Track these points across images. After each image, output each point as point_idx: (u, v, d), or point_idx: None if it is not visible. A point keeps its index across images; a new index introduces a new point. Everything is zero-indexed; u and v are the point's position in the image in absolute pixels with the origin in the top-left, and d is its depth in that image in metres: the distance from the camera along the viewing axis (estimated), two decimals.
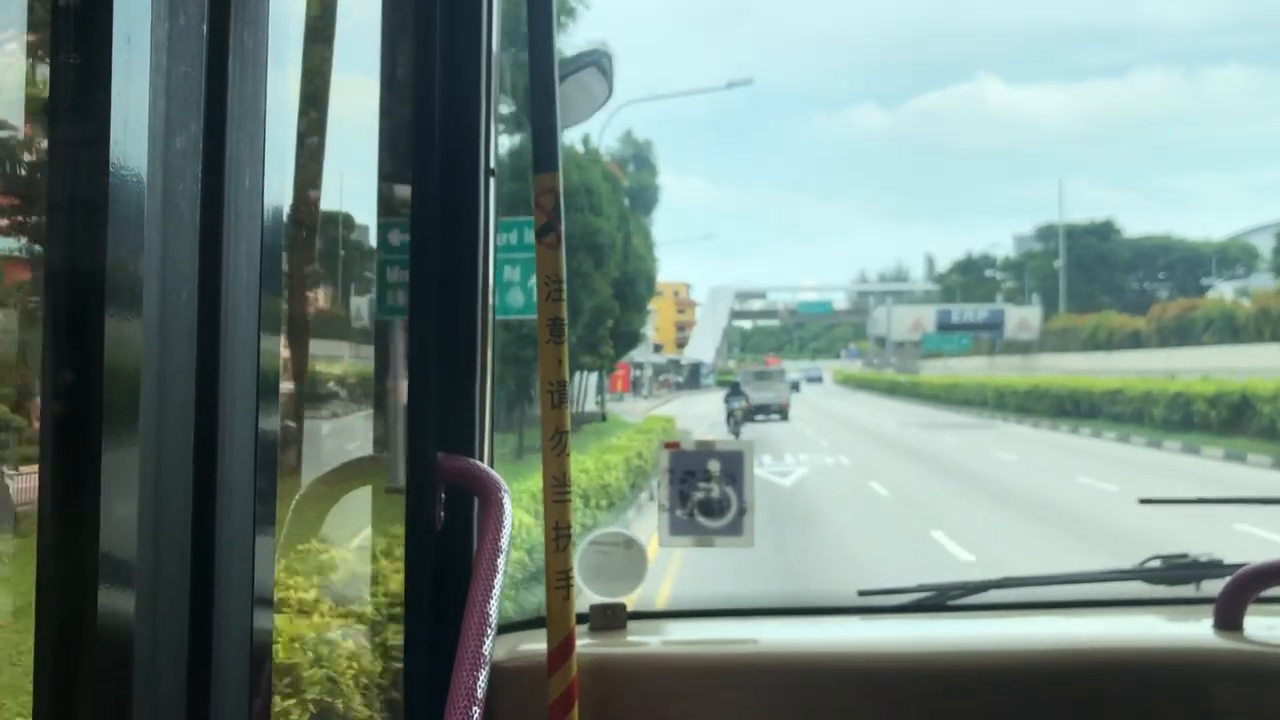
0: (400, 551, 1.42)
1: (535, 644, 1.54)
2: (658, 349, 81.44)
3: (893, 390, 59.18)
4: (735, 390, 31.14)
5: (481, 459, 1.45)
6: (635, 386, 55.69)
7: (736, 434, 26.67)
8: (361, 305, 1.79)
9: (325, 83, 1.32)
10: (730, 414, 28.77)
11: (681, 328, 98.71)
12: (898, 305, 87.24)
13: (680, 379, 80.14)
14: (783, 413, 36.89)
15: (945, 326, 77.51)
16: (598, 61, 1.59)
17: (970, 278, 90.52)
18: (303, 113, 1.27)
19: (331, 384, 1.82)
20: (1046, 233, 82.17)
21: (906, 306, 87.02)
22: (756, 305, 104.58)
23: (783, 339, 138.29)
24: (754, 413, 34.25)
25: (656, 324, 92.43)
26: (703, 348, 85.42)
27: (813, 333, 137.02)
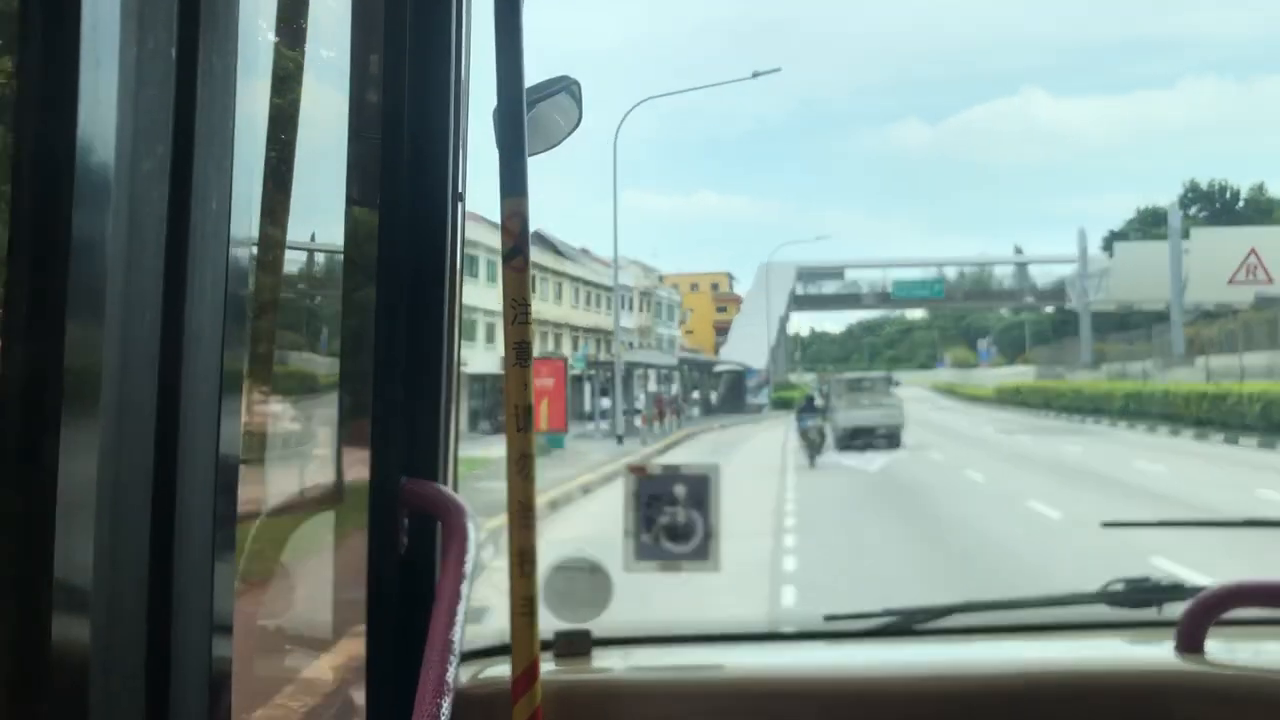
0: (363, 577, 1.41)
1: (499, 670, 1.53)
2: (687, 355, 50.48)
3: None
4: (810, 406, 24.56)
5: (445, 483, 1.45)
6: (599, 413, 35.13)
7: (812, 462, 22.46)
8: (327, 329, 1.78)
9: (294, 106, 1.32)
10: (803, 434, 23.39)
11: (722, 330, 71.92)
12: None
13: (713, 394, 48.31)
14: (891, 439, 26.65)
15: None
16: (568, 88, 1.60)
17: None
18: (271, 136, 1.26)
19: (295, 408, 1.80)
20: None
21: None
22: (830, 289, 68.45)
23: (849, 347, 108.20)
24: (851, 438, 26.35)
25: (689, 324, 70.22)
26: (749, 348, 54.87)
27: (886, 339, 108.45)
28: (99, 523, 0.69)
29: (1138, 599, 1.87)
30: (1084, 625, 1.92)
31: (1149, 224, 59.19)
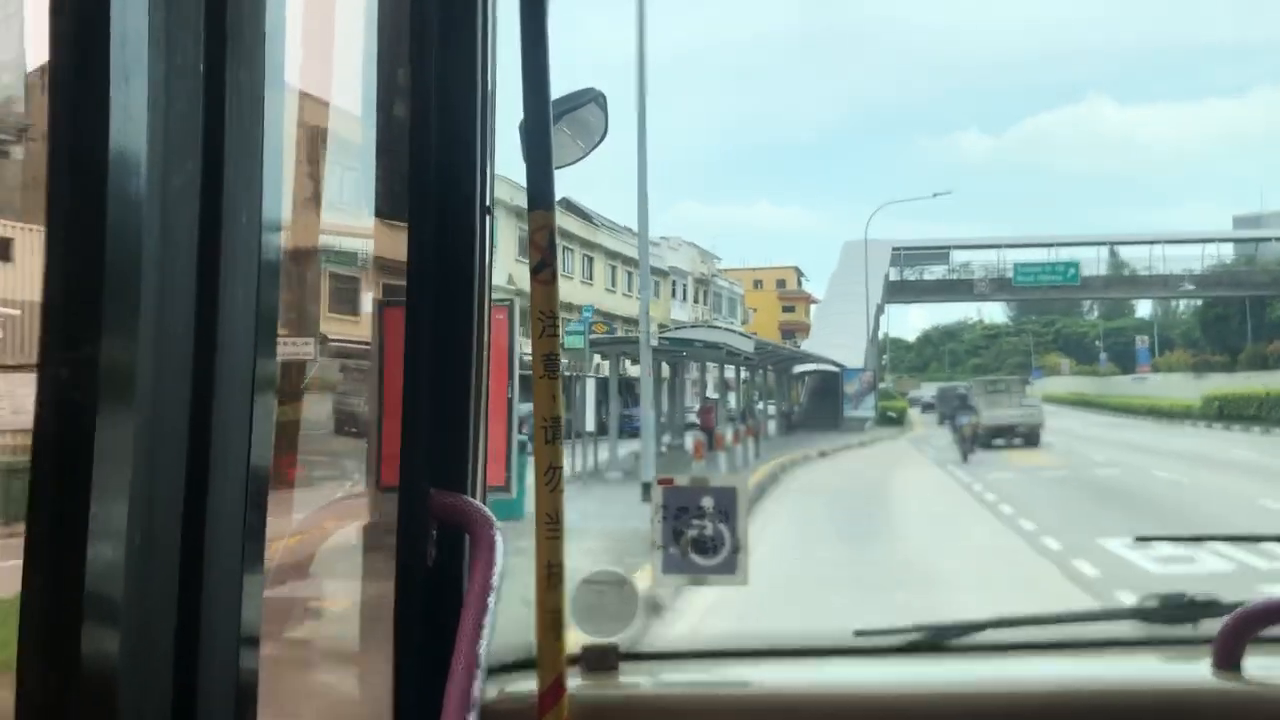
0: (390, 588, 1.41)
1: (526, 685, 1.53)
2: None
3: None
4: (963, 403, 25.26)
5: (474, 495, 1.45)
6: (621, 427, 18.88)
7: (966, 457, 22.79)
8: (356, 342, 1.79)
9: (322, 121, 1.33)
10: (958, 430, 24.29)
11: (789, 332, 61.46)
12: None
13: (791, 409, 34.16)
14: (1029, 437, 28.19)
15: None
16: (595, 99, 1.60)
17: None
18: (299, 150, 1.28)
19: (325, 420, 1.81)
20: None
21: None
22: (932, 274, 53.63)
23: (927, 355, 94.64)
24: (992, 436, 27.47)
25: (751, 325, 60.10)
26: (835, 344, 40.73)
27: (969, 346, 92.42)
28: (130, 532, 0.69)
29: (1173, 615, 1.83)
30: (1118, 642, 1.89)
31: None
